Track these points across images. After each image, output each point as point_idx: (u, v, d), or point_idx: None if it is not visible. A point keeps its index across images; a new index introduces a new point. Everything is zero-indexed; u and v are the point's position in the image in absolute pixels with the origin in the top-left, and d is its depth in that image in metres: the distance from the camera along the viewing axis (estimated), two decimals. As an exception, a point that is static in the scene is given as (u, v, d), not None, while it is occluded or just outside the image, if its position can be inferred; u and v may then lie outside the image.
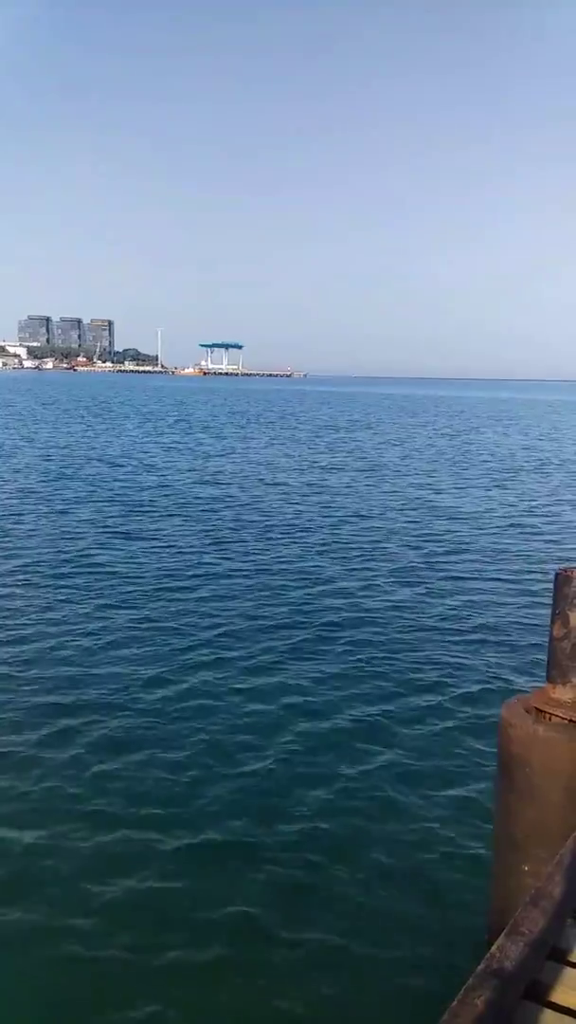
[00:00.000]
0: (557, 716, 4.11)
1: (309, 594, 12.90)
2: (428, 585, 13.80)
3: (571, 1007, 2.69)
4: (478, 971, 2.53)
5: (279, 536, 17.63)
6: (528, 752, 4.10)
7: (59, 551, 15.49)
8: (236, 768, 7.22)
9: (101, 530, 17.69)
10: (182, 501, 22.02)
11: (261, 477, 27.42)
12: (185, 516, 19.70)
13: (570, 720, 4.07)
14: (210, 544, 16.58)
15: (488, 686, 9.24)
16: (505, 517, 20.91)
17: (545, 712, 4.15)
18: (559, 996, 2.74)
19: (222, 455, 35.06)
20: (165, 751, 7.49)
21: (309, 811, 6.57)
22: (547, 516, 21.40)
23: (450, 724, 8.19)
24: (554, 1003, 2.72)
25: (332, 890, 5.61)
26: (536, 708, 4.19)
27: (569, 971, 2.87)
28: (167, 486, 24.69)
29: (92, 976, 4.83)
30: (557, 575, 4.22)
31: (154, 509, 20.59)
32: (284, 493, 23.93)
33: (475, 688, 9.17)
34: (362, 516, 20.28)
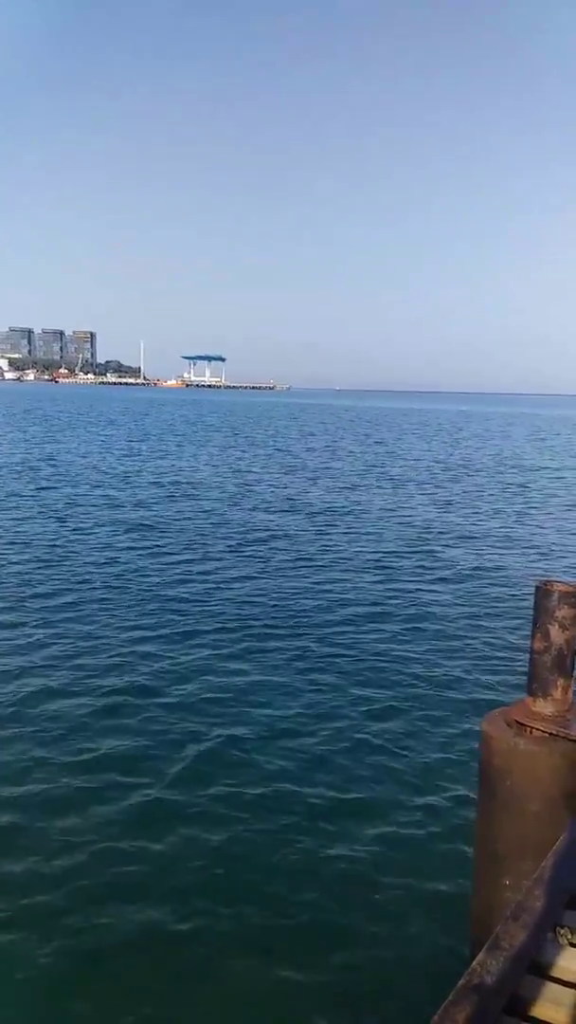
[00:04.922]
0: (538, 729, 4.12)
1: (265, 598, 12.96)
2: (399, 596, 13.83)
3: (552, 1022, 2.69)
4: (459, 986, 2.53)
5: (233, 546, 17.77)
6: (509, 765, 4.11)
7: None
8: (217, 785, 7.18)
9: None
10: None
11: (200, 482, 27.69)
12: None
13: (551, 733, 4.08)
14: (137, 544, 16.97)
15: (469, 698, 9.25)
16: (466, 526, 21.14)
17: (526, 725, 4.16)
18: (540, 1011, 2.74)
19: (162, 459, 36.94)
20: (143, 761, 7.47)
21: (288, 824, 6.55)
22: (521, 528, 21.60)
23: (430, 736, 8.19)
24: (535, 1018, 2.71)
25: (313, 903, 5.58)
26: (517, 721, 4.20)
27: (550, 985, 2.87)
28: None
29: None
30: (537, 588, 4.24)
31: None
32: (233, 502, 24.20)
33: (455, 700, 9.18)
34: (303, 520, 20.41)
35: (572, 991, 2.81)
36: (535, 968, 2.93)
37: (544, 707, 4.20)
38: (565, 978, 2.88)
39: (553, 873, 3.28)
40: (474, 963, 2.66)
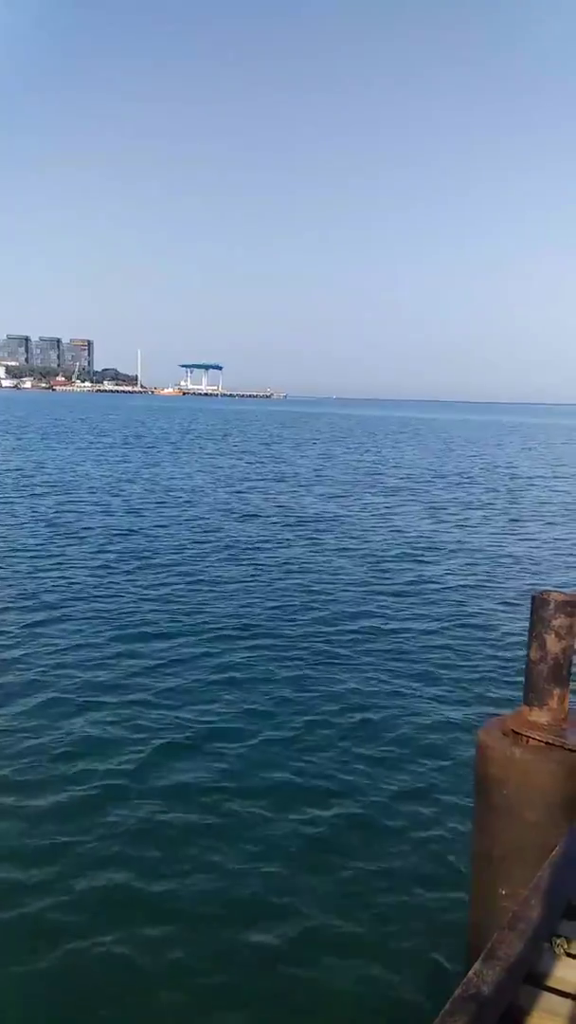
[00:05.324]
0: (534, 738, 4.12)
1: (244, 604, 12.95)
2: (388, 599, 13.84)
3: (548, 1031, 2.68)
4: (455, 996, 2.52)
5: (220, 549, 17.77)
6: (505, 774, 4.11)
7: None
8: (189, 774, 7.18)
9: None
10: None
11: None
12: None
13: (547, 743, 4.08)
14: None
15: (465, 708, 9.23)
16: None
17: (522, 734, 4.17)
18: (536, 1021, 2.73)
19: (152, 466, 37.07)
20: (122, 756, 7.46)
21: (284, 833, 6.53)
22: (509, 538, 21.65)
23: (427, 746, 8.17)
24: (531, 1028, 2.70)
25: (308, 912, 5.56)
26: (513, 730, 4.21)
27: (546, 995, 2.86)
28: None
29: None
30: (534, 598, 4.25)
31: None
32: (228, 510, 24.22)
33: (452, 710, 9.16)
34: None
35: (569, 1001, 2.80)
36: (532, 978, 2.92)
37: (540, 716, 4.21)
38: (562, 988, 2.87)
39: (550, 883, 3.27)
40: (470, 973, 2.65)
